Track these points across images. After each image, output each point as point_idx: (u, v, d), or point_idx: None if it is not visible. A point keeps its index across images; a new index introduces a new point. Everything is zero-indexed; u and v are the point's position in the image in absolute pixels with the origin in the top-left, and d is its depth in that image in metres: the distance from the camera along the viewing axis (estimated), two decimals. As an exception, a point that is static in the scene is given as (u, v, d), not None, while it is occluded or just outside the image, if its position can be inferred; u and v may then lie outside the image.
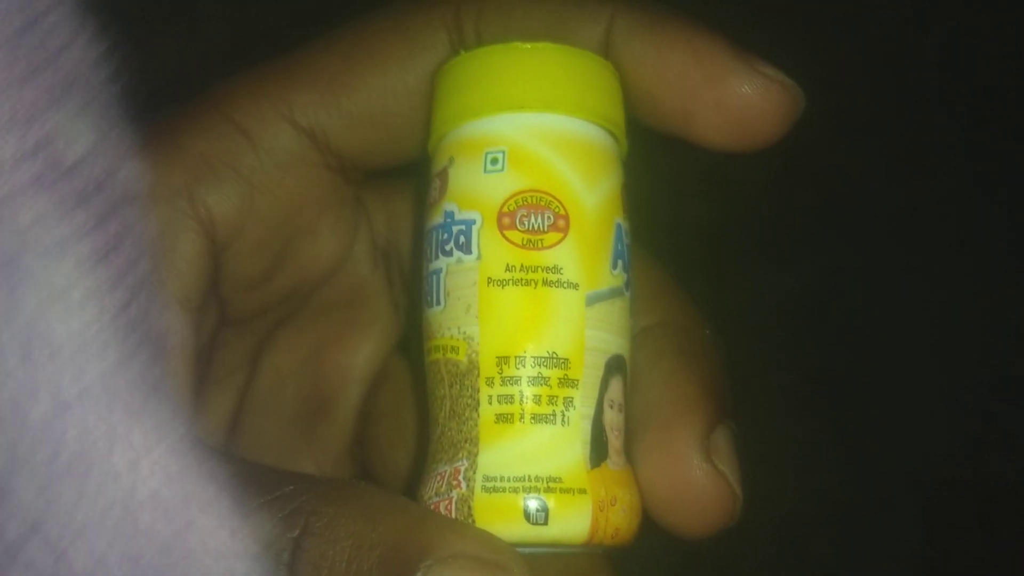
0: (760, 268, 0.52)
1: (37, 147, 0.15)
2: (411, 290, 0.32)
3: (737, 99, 0.26)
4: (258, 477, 0.23)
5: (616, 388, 0.26)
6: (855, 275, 0.64)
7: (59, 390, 0.15)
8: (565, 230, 0.25)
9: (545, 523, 0.24)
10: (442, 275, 0.26)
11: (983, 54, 0.63)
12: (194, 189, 0.28)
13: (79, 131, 0.16)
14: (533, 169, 0.25)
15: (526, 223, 0.25)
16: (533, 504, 0.24)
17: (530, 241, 0.25)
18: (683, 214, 0.29)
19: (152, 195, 0.17)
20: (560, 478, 0.24)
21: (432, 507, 0.25)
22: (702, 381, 0.27)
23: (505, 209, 0.25)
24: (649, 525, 0.26)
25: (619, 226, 0.26)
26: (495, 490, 0.24)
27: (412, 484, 0.26)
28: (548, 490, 0.24)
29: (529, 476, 0.24)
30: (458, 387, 0.25)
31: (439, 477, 0.25)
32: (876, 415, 0.62)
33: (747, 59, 0.27)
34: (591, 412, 0.25)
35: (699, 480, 0.26)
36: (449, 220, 0.26)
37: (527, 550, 0.25)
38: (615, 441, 0.25)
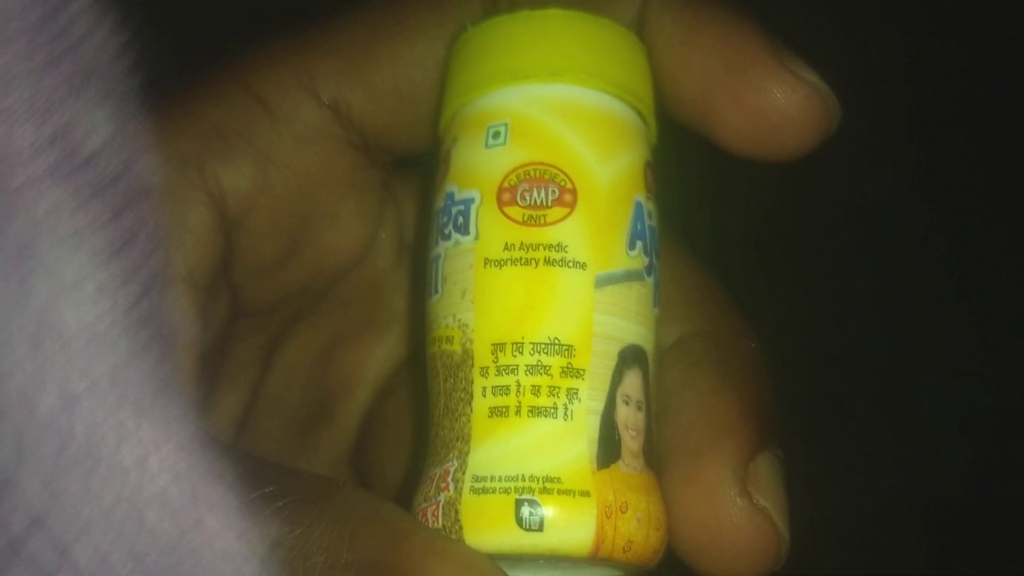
0: (765, 287, 0.51)
1: (54, 137, 0.15)
2: (414, 294, 0.29)
3: (759, 97, 0.23)
4: (247, 472, 0.21)
5: (633, 382, 0.23)
6: (862, 296, 0.61)
7: (68, 382, 0.14)
8: (572, 205, 0.22)
9: (540, 529, 0.21)
10: (440, 261, 0.23)
11: (1001, 76, 0.61)
12: (204, 158, 0.26)
13: (97, 122, 0.15)
14: (538, 141, 0.23)
15: (528, 198, 0.23)
16: (526, 506, 0.21)
17: (532, 217, 0.22)
18: (688, 229, 0.27)
19: (159, 163, 0.16)
20: (559, 478, 0.21)
21: (420, 514, 0.22)
22: (742, 401, 0.23)
23: (506, 184, 0.23)
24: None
25: (639, 204, 0.23)
26: (484, 491, 0.21)
27: (404, 499, 0.24)
28: (544, 491, 0.21)
29: (523, 475, 0.21)
30: (452, 380, 0.23)
31: (429, 480, 0.22)
32: (882, 438, 0.59)
33: (780, 55, 0.24)
34: (600, 407, 0.22)
35: (733, 516, 0.22)
36: (449, 202, 0.24)
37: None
38: (631, 442, 0.22)
